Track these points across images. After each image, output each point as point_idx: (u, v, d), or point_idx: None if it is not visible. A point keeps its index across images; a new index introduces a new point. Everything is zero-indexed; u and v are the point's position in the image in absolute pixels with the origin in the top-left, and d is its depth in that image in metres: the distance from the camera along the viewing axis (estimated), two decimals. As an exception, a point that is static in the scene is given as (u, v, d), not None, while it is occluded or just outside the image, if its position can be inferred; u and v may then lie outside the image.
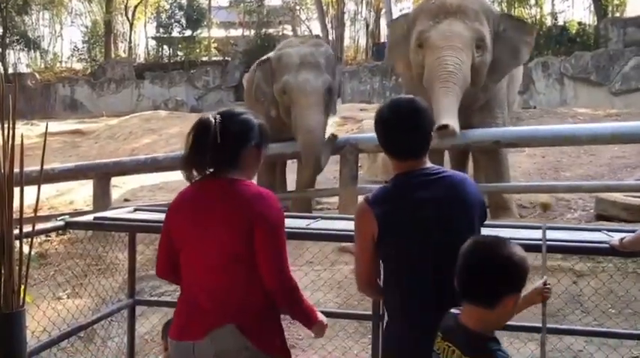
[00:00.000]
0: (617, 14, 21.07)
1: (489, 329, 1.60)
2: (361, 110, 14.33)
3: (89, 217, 3.08)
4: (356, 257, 2.02)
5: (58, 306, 4.01)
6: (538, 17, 22.10)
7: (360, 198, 1.96)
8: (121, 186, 8.50)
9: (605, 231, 2.62)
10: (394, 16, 21.27)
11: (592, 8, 21.22)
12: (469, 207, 1.88)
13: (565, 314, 3.69)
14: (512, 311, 1.63)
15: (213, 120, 1.92)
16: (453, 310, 1.71)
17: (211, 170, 1.95)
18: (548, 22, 21.79)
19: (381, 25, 24.22)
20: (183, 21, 24.61)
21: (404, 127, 1.87)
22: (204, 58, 24.86)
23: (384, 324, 2.03)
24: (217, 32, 27.24)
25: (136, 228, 2.97)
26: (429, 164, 1.92)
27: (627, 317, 3.39)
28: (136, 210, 3.30)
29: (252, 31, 24.52)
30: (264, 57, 6.47)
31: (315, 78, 5.77)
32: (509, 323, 1.75)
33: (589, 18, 21.75)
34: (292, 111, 5.80)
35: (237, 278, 1.89)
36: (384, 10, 22.49)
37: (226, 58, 24.00)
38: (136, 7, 25.83)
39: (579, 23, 21.27)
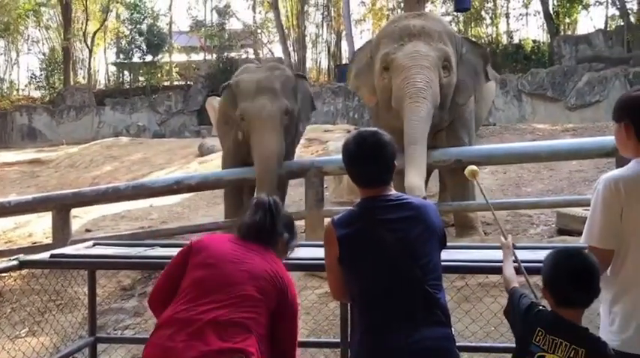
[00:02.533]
0: (569, 32, 21.84)
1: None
2: (325, 131, 14.38)
3: (45, 255, 2.96)
4: (327, 275, 2.13)
5: (15, 347, 3.84)
6: (494, 36, 22.75)
7: (327, 220, 2.06)
8: (82, 216, 8.28)
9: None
10: (354, 38, 21.64)
11: (545, 27, 21.94)
12: (430, 232, 1.96)
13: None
14: None
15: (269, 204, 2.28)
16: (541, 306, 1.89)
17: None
18: (504, 40, 22.44)
19: (342, 46, 24.54)
20: (144, 46, 24.46)
21: (367, 159, 1.99)
22: (166, 83, 24.73)
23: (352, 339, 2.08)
24: (179, 57, 27.14)
25: (95, 264, 2.88)
26: (392, 191, 2.02)
27: (593, 332, 3.43)
28: (95, 244, 3.21)
29: (214, 55, 24.53)
30: (228, 82, 6.45)
31: (270, 103, 5.74)
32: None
33: (543, 36, 22.49)
34: (250, 139, 5.79)
35: None
36: (344, 32, 22.79)
37: (188, 83, 23.91)
38: (94, 33, 25.55)
39: (534, 41, 21.96)
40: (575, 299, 1.83)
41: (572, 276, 1.81)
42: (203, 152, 13.57)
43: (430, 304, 1.90)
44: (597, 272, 1.81)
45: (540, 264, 2.50)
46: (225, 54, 24.07)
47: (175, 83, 24.98)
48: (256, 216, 2.23)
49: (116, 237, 5.49)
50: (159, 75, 24.93)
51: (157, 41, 24.46)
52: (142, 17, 25.09)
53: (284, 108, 5.84)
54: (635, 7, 19.91)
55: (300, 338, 3.89)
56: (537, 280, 3.96)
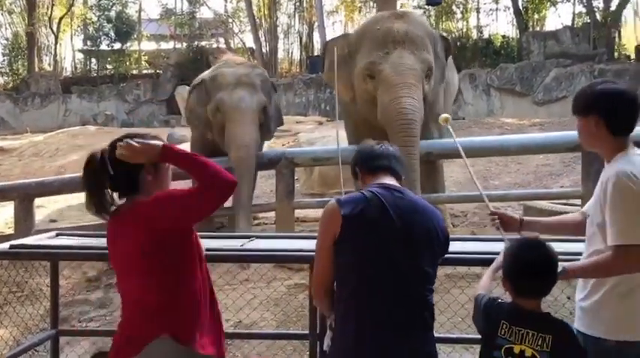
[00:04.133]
0: (538, 28, 22.15)
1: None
2: (297, 123, 14.34)
3: (5, 245, 2.86)
4: (316, 259, 1.98)
5: (-25, 340, 3.73)
6: (464, 31, 22.93)
7: (333, 200, 1.95)
8: (46, 205, 8.09)
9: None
10: (326, 29, 21.57)
11: (514, 22, 22.20)
12: (436, 235, 1.92)
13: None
14: None
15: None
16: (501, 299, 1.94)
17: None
18: (474, 35, 22.63)
19: (315, 38, 24.44)
20: (112, 33, 23.97)
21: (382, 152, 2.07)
22: (135, 72, 24.28)
23: (332, 336, 1.97)
24: (148, 45, 26.68)
25: (57, 255, 2.80)
26: (388, 177, 2.02)
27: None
28: (58, 234, 3.12)
29: (184, 44, 24.17)
30: (198, 79, 6.37)
31: (250, 96, 5.72)
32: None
33: (512, 31, 22.75)
34: (226, 129, 5.71)
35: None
36: (316, 24, 22.70)
37: (158, 71, 23.52)
38: (60, 19, 24.88)
39: (503, 36, 22.22)
40: (535, 289, 1.88)
41: (531, 267, 1.86)
42: (172, 141, 13.38)
43: (424, 307, 1.89)
44: (555, 262, 1.87)
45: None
46: (196, 43, 23.74)
47: (144, 72, 24.54)
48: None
49: (81, 227, 5.37)
50: (127, 63, 24.47)
51: (125, 29, 23.99)
52: (111, 4, 24.58)
53: (262, 104, 5.82)
54: (602, 5, 20.29)
55: (268, 330, 3.89)
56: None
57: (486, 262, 2.28)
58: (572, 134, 5.75)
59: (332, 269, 1.92)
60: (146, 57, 25.50)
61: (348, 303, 1.89)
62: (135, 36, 24.71)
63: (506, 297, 1.96)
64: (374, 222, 1.86)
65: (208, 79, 6.09)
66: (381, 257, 1.86)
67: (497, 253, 2.30)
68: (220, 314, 2.10)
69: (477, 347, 2.06)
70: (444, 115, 2.71)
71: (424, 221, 1.91)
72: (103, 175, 1.93)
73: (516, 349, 1.83)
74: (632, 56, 19.96)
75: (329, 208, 1.92)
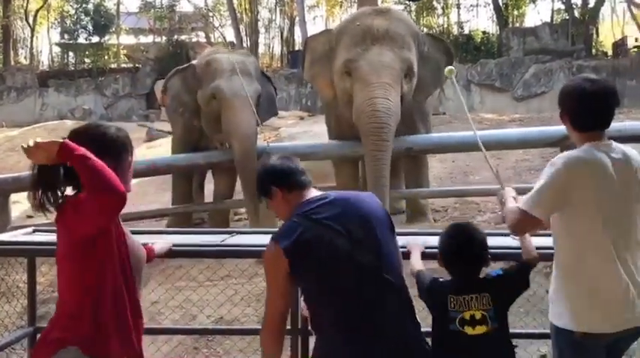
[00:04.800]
0: (517, 24, 22.34)
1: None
2: (279, 118, 14.25)
3: (-20, 242, 2.81)
4: (270, 301, 1.96)
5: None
6: (445, 26, 23.03)
7: (271, 247, 1.92)
8: (22, 201, 7.95)
9: (514, 236, 2.69)
10: (308, 24, 21.49)
11: (495, 18, 22.36)
12: (377, 222, 1.94)
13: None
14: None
15: None
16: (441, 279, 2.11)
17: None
18: (455, 31, 22.75)
19: (296, 32, 24.35)
20: (90, 27, 23.60)
21: (291, 167, 2.03)
22: (113, 65, 23.94)
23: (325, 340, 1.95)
24: (127, 39, 26.36)
25: (33, 251, 2.75)
26: (315, 192, 2.01)
27: (535, 316, 3.52)
28: (35, 230, 3.06)
29: (164, 38, 23.91)
30: (185, 65, 6.25)
31: (248, 84, 5.63)
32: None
33: (492, 28, 22.91)
34: (224, 118, 5.56)
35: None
36: (298, 18, 22.62)
37: (137, 65, 23.22)
38: (37, 11, 24.43)
39: (483, 32, 22.37)
40: (465, 269, 2.07)
41: (460, 247, 2.07)
42: (151, 137, 13.27)
43: (395, 293, 1.90)
44: (480, 243, 2.08)
45: (491, 251, 2.56)
46: (176, 37, 23.49)
47: (123, 66, 24.20)
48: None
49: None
50: (106, 57, 24.11)
51: (104, 22, 23.64)
52: (89, -3, 24.22)
53: (258, 93, 5.76)
54: (580, 2, 20.53)
55: (250, 326, 3.88)
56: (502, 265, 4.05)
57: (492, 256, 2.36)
58: (551, 129, 5.83)
59: (286, 310, 1.95)
60: (125, 51, 25.18)
61: (332, 328, 1.88)
62: (113, 29, 24.39)
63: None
64: (316, 241, 1.85)
65: (200, 64, 5.97)
66: (338, 266, 1.85)
67: (501, 247, 2.44)
68: (141, 311, 2.01)
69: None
70: (450, 67, 2.80)
71: (364, 209, 1.94)
72: (57, 171, 1.85)
73: (467, 315, 1.99)
74: (610, 53, 20.26)
75: (268, 251, 1.91)
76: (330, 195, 1.98)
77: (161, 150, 10.60)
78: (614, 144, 1.99)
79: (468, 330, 1.98)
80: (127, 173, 1.96)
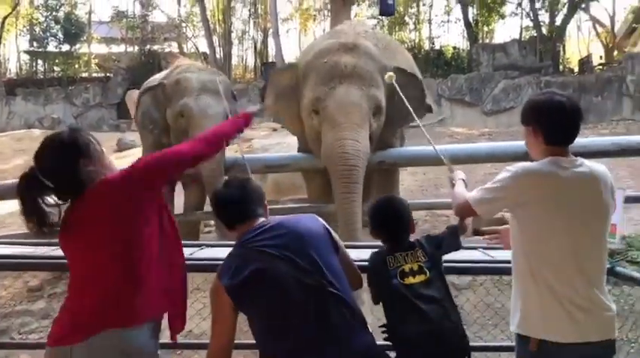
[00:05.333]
0: (487, 40, 22.78)
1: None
2: (251, 129, 14.24)
3: (-63, 254, 2.72)
4: (214, 335, 1.99)
5: None
6: (417, 41, 23.35)
7: (216, 281, 1.96)
8: (-11, 211, 7.77)
9: (482, 249, 2.74)
10: (281, 37, 21.56)
11: (465, 34, 22.77)
12: (314, 233, 1.99)
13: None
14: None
15: None
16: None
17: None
18: (426, 46, 23.08)
19: (269, 44, 24.41)
20: (60, 35, 23.26)
21: (232, 200, 2.06)
22: (84, 74, 23.64)
23: None
24: (98, 47, 26.04)
25: (-5, 265, 2.68)
26: (259, 222, 2.04)
27: (503, 329, 3.56)
28: (-3, 243, 2.99)
29: (136, 48, 23.72)
30: (154, 82, 6.17)
31: (216, 103, 5.57)
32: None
33: (463, 43, 23.32)
34: (191, 135, 5.49)
35: None
36: (271, 30, 22.68)
37: (108, 75, 22.98)
38: (5, 18, 23.98)
39: (454, 48, 22.74)
40: (392, 236, 2.29)
41: (385, 218, 2.31)
42: (122, 147, 13.10)
43: (344, 309, 1.90)
44: (403, 214, 2.32)
45: (457, 264, 2.60)
46: (148, 47, 23.34)
47: (94, 75, 23.91)
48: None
49: (22, 235, 5.16)
50: (76, 65, 23.78)
51: (74, 30, 23.31)
52: (59, 4, 23.85)
53: (226, 112, 5.71)
54: (547, 20, 21.04)
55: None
56: (452, 279, 4.09)
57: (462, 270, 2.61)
58: (519, 144, 5.90)
59: (229, 345, 1.98)
60: (96, 60, 24.89)
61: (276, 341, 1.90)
62: (84, 38, 24.08)
63: None
64: (258, 275, 1.88)
65: (169, 82, 5.90)
66: (287, 291, 1.87)
67: (446, 261, 2.41)
68: None
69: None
70: (389, 73, 2.98)
71: (302, 230, 1.97)
72: (43, 188, 1.91)
73: (406, 268, 2.18)
74: (576, 69, 20.80)
75: (212, 286, 1.96)
76: (269, 221, 2.03)
77: (132, 160, 10.47)
78: (580, 160, 2.02)
79: (409, 280, 2.16)
80: (105, 160, 2.02)
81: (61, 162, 1.91)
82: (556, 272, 1.93)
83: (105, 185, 1.90)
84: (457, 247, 2.35)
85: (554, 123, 1.99)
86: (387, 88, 4.82)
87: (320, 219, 2.11)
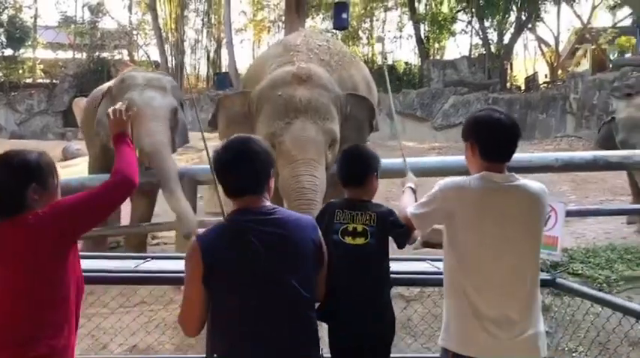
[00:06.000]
0: (438, 57, 23.33)
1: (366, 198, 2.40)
2: (201, 139, 14.07)
3: None
4: (186, 300, 1.92)
5: None
6: (370, 56, 23.70)
7: (194, 238, 1.91)
8: None
9: (429, 261, 2.77)
10: (235, 47, 21.48)
11: (417, 50, 23.24)
12: (301, 246, 1.90)
13: (395, 342, 3.84)
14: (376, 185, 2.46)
15: None
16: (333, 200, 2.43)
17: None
18: (379, 61, 23.44)
19: (222, 54, 24.27)
20: (3, 39, 22.45)
21: (238, 166, 1.91)
22: (29, 80, 22.87)
23: None
24: (44, 53, 25.24)
25: None
26: (266, 203, 1.93)
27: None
28: None
29: (84, 54, 23.13)
30: (104, 87, 6.07)
31: (162, 97, 5.50)
32: None
33: (414, 59, 23.79)
34: (135, 129, 5.34)
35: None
36: (225, 40, 22.57)
37: (54, 81, 22.30)
38: (-55, 20, 23.06)
39: (406, 63, 23.20)
40: (353, 177, 2.38)
41: (350, 161, 2.42)
42: (68, 156, 12.71)
43: (302, 325, 1.88)
44: (365, 158, 2.42)
45: (406, 275, 2.62)
46: (97, 54, 22.78)
47: (39, 81, 23.18)
48: None
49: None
50: (20, 71, 22.99)
51: (19, 34, 22.52)
52: (2, 7, 23.05)
53: (174, 106, 5.61)
54: (495, 38, 21.73)
55: (165, 355, 3.73)
56: (401, 290, 4.12)
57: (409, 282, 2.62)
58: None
59: (202, 308, 1.89)
60: (41, 65, 24.14)
61: (224, 332, 1.86)
62: (29, 43, 23.32)
63: None
64: (238, 256, 1.83)
65: (115, 84, 5.82)
66: (250, 288, 1.83)
67: (397, 273, 2.44)
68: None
69: None
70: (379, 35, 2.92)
71: (287, 235, 1.89)
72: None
73: (350, 227, 2.26)
74: (522, 87, 21.53)
75: (190, 247, 1.88)
76: (276, 211, 1.93)
77: (77, 169, 10.17)
78: (515, 177, 2.05)
79: (348, 240, 2.24)
80: (54, 197, 1.97)
81: (14, 180, 1.90)
82: (478, 288, 1.95)
83: (33, 217, 1.88)
84: (401, 243, 2.38)
85: (490, 140, 2.03)
86: (340, 116, 4.86)
87: (316, 227, 2.02)
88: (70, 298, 1.92)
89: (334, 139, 4.70)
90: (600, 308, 2.77)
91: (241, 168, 1.91)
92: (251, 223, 1.86)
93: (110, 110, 2.21)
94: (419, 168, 5.98)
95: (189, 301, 1.91)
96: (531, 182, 2.06)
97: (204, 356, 2.70)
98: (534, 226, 2.02)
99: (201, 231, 1.98)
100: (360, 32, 23.90)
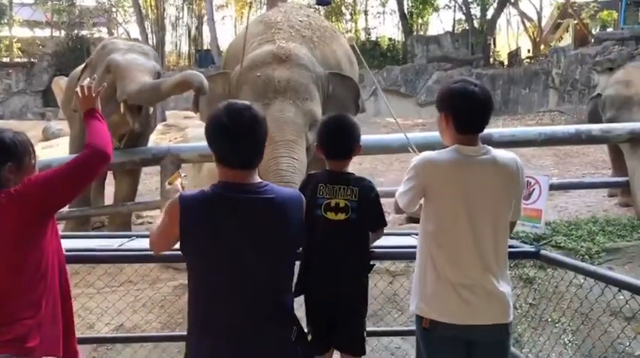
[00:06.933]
0: (422, 32, 23.24)
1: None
2: (185, 118, 13.94)
3: None
4: (157, 232, 1.89)
5: None
6: (353, 32, 23.52)
7: (176, 196, 1.82)
8: None
9: (414, 236, 2.77)
10: (216, 23, 21.18)
11: (400, 26, 23.12)
12: (286, 226, 1.85)
13: (382, 315, 3.88)
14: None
15: None
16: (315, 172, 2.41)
17: None
18: (363, 36, 23.29)
19: (204, 31, 23.95)
20: (-22, 17, 21.98)
21: (242, 135, 1.79)
22: (6, 59, 22.43)
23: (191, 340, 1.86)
24: (21, 31, 24.74)
25: None
26: (257, 179, 1.85)
27: (396, 315, 3.68)
28: None
29: (62, 32, 22.69)
30: (85, 63, 5.98)
31: (145, 59, 5.42)
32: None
33: (398, 35, 23.68)
34: (118, 83, 5.23)
35: None
36: (206, 17, 22.26)
37: (32, 60, 21.87)
38: None
39: (390, 39, 23.08)
40: (338, 150, 2.35)
41: (334, 133, 2.36)
42: (48, 136, 12.54)
43: (280, 313, 1.85)
44: (350, 129, 2.37)
45: (391, 250, 2.63)
46: (76, 31, 22.37)
47: (17, 60, 22.74)
48: None
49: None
50: (-4, 50, 22.58)
51: (-6, 12, 22.09)
52: (-24, -16, 22.52)
53: (157, 69, 5.52)
54: (479, 13, 21.68)
55: (152, 333, 3.73)
56: (388, 265, 4.16)
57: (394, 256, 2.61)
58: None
59: (165, 244, 1.90)
60: (19, 44, 23.64)
61: (199, 308, 1.82)
62: (5, 20, 22.81)
63: None
64: (216, 229, 1.76)
65: (95, 51, 5.76)
66: (226, 263, 1.78)
67: (382, 247, 2.44)
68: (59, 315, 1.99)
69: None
70: (350, 35, 2.88)
71: (275, 216, 1.82)
72: None
73: (332, 202, 2.25)
74: (506, 62, 21.57)
75: (172, 204, 1.81)
76: (267, 189, 1.83)
77: (59, 150, 10.05)
78: (487, 148, 2.06)
79: (330, 216, 2.23)
80: (26, 177, 1.92)
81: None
82: (450, 256, 2.00)
83: (6, 196, 1.85)
84: (374, 228, 2.37)
85: (465, 112, 2.03)
86: (322, 96, 4.80)
87: (303, 205, 1.93)
88: (48, 276, 1.90)
89: (315, 120, 4.61)
90: (583, 279, 2.81)
91: (248, 136, 1.80)
92: (235, 199, 1.79)
93: (78, 88, 2.13)
94: (402, 144, 6.01)
95: (158, 238, 1.90)
96: (504, 153, 2.08)
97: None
98: (507, 196, 2.04)
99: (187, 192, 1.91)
100: (343, 8, 23.68)
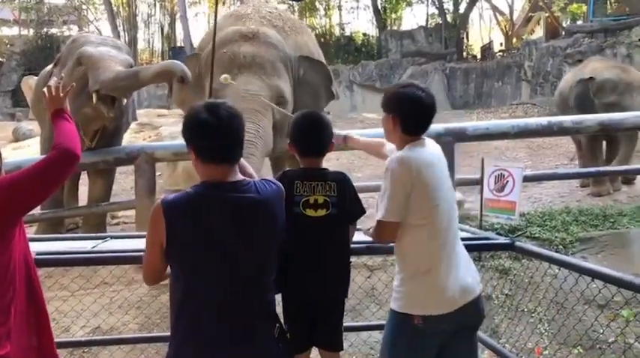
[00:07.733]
0: (395, 27, 23.33)
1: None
2: (159, 116, 13.81)
3: None
4: (146, 254, 1.84)
5: None
6: (327, 27, 23.53)
7: (159, 200, 1.77)
8: None
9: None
10: (189, 20, 20.96)
11: (374, 21, 23.18)
12: (273, 224, 1.83)
13: (361, 310, 3.89)
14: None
15: None
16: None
17: None
18: (337, 32, 23.31)
19: (177, 28, 23.69)
20: (-57, 15, 21.43)
21: (221, 126, 1.75)
22: (-27, 59, 21.93)
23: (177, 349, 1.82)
24: (-12, 30, 24.21)
25: None
26: (239, 176, 1.82)
27: (374, 310, 3.70)
28: None
29: (31, 31, 22.24)
30: (58, 57, 5.85)
31: (117, 52, 5.29)
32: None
33: (372, 30, 23.74)
34: (90, 74, 5.09)
35: None
36: (179, 14, 22.01)
37: (0, 60, 21.41)
38: None
39: (364, 34, 23.13)
40: (312, 147, 2.30)
41: (307, 130, 2.30)
42: (18, 137, 12.27)
43: (266, 311, 1.84)
44: (324, 126, 2.32)
45: (368, 244, 2.62)
46: (45, 30, 21.94)
47: (-16, 59, 22.26)
48: None
49: None
50: (-38, 49, 22.03)
51: (-41, 10, 21.57)
52: (-60, -18, 21.95)
53: (129, 62, 5.40)
54: (452, 8, 21.83)
55: (129, 334, 3.69)
56: (365, 260, 4.17)
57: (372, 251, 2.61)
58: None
59: (163, 267, 1.81)
60: (-15, 43, 23.15)
61: (187, 316, 1.77)
62: (-29, 19, 22.32)
63: None
64: (203, 232, 1.73)
65: (66, 46, 5.63)
66: (214, 268, 1.75)
67: (358, 242, 2.48)
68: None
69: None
70: (224, 76, 3.09)
71: (257, 212, 1.79)
72: None
73: (311, 199, 2.20)
74: (479, 56, 21.77)
75: (155, 211, 1.75)
76: (250, 185, 1.80)
77: (30, 151, 9.84)
78: (427, 139, 2.19)
79: (310, 213, 2.19)
80: None
81: None
82: (435, 247, 2.08)
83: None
84: (353, 219, 2.35)
85: (411, 117, 2.13)
86: (292, 78, 4.77)
87: (283, 200, 1.91)
88: (16, 282, 1.84)
89: (281, 96, 4.58)
90: (557, 270, 2.85)
91: (231, 128, 1.77)
92: (219, 198, 1.75)
93: (45, 88, 2.06)
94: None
95: (148, 260, 1.82)
96: (433, 142, 2.21)
97: (169, 334, 2.68)
98: (447, 179, 2.20)
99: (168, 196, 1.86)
100: (317, 3, 23.64)
